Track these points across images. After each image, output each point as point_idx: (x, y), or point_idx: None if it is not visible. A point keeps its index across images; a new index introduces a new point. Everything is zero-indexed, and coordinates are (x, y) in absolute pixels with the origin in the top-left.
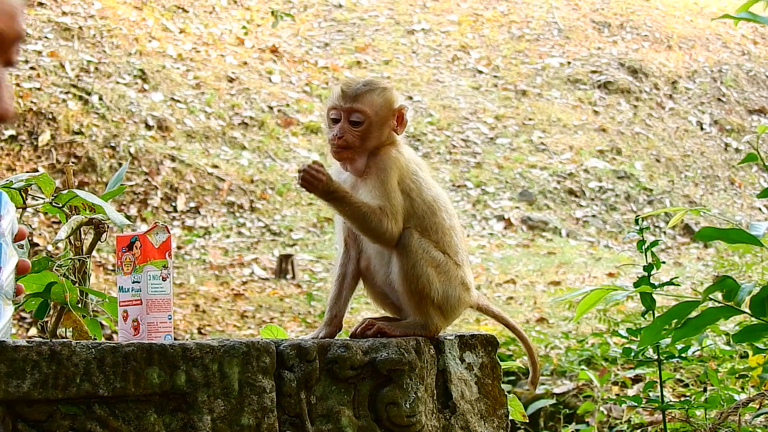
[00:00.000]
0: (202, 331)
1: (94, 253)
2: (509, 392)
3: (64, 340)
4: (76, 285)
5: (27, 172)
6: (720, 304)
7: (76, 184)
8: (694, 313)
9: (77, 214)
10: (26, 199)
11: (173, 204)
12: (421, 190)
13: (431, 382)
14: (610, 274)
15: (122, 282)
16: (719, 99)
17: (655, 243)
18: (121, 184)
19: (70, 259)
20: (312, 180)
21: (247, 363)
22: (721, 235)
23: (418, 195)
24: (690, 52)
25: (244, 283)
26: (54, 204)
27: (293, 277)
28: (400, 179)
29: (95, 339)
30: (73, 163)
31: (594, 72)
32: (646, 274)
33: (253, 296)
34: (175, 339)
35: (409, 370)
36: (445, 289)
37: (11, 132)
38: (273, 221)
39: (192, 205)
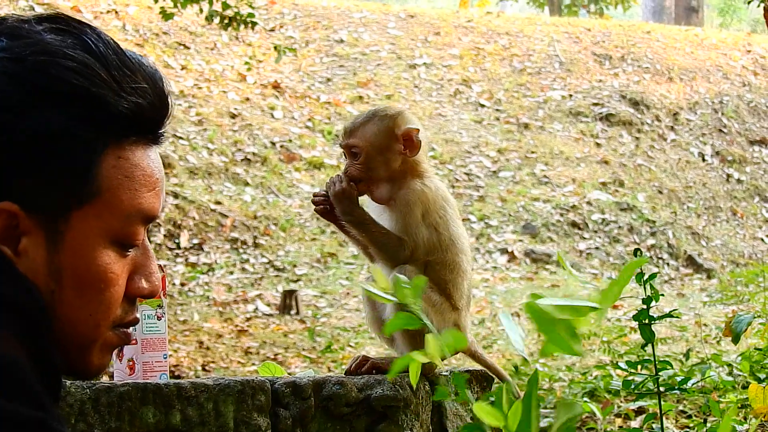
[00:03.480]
0: (206, 367)
1: None
2: None
3: None
4: None
5: None
6: None
7: None
8: None
9: None
10: None
11: (176, 241)
12: (448, 225)
13: (427, 418)
14: (614, 307)
15: None
16: (720, 130)
17: (654, 275)
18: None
19: None
20: (336, 186)
21: (242, 401)
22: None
23: (445, 229)
24: (691, 83)
25: (248, 319)
26: None
27: (297, 313)
28: (425, 212)
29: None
30: None
31: (596, 104)
32: (645, 306)
33: (257, 332)
34: (178, 377)
35: (404, 406)
36: (439, 329)
37: None
38: (277, 257)
39: (195, 241)
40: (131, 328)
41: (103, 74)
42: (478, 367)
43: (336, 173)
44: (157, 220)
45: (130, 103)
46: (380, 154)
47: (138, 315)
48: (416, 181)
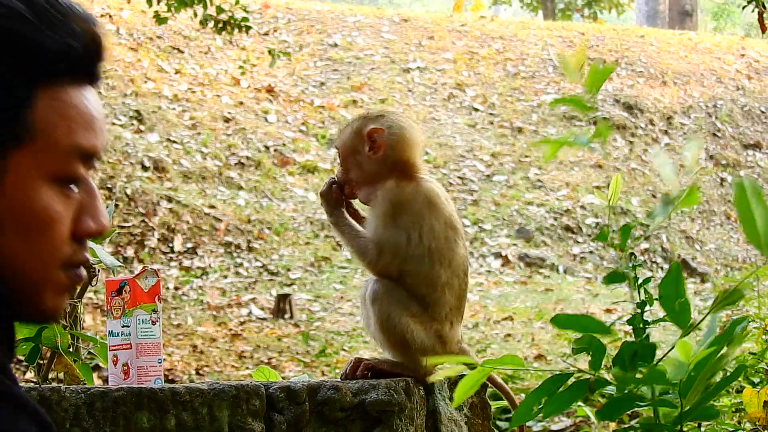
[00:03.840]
0: (200, 372)
1: (92, 295)
2: (504, 431)
3: (54, 385)
4: (68, 329)
5: None
6: (590, 375)
7: None
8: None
9: None
10: None
11: (170, 245)
12: (422, 234)
13: (421, 423)
14: (608, 310)
15: (112, 326)
16: (714, 134)
17: (648, 280)
18: (111, 226)
19: None
20: (324, 186)
21: (236, 406)
22: (574, 323)
23: (417, 237)
24: (685, 87)
25: (242, 323)
26: None
27: (291, 317)
28: (395, 213)
29: (85, 384)
30: None
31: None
32: (639, 310)
33: (251, 336)
34: (172, 381)
35: (399, 411)
36: (423, 338)
37: None
38: (270, 261)
39: (189, 245)
40: (83, 270)
41: (29, 16)
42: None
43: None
44: (151, 224)
45: (61, 43)
46: (352, 156)
47: (88, 255)
48: (393, 181)
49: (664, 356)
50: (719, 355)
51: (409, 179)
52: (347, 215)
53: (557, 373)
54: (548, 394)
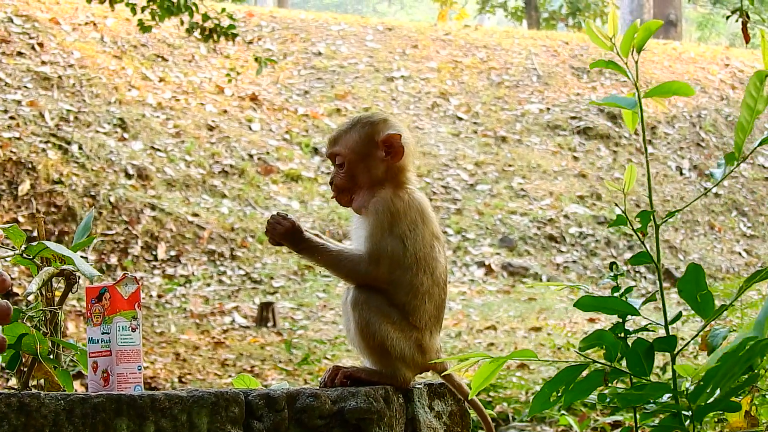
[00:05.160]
0: (183, 379)
1: (74, 303)
2: None
3: (33, 391)
4: (48, 336)
5: (6, 222)
6: (607, 365)
7: (56, 233)
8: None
9: (48, 266)
10: None
11: (153, 253)
12: (415, 242)
13: (400, 431)
14: (591, 320)
15: (92, 333)
16: (698, 144)
17: (630, 289)
18: (90, 234)
19: (41, 310)
20: (277, 227)
21: (215, 413)
22: (599, 305)
23: (411, 245)
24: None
25: (225, 331)
26: (24, 256)
27: (274, 325)
28: (393, 223)
29: (65, 391)
30: (53, 212)
31: (573, 118)
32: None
33: (234, 344)
34: (154, 389)
35: (378, 419)
36: (402, 346)
37: None
38: (254, 269)
39: (172, 253)
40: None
41: None
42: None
43: (271, 215)
44: (134, 232)
45: None
46: (362, 162)
47: None
48: (390, 190)
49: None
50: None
51: (401, 188)
52: (312, 236)
53: (573, 363)
54: (565, 384)
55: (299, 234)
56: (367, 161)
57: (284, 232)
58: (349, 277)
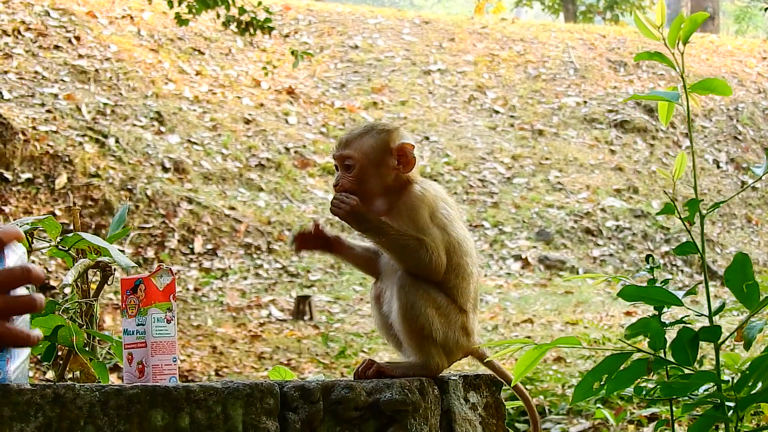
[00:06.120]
0: (220, 372)
1: (111, 296)
2: None
3: (68, 383)
4: (83, 328)
5: (44, 215)
6: (650, 354)
7: (93, 227)
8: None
9: (84, 258)
10: (32, 243)
11: (190, 246)
12: (453, 225)
13: (435, 423)
14: (628, 313)
15: (127, 325)
16: (735, 137)
17: (666, 282)
18: (126, 226)
19: (77, 302)
20: (341, 205)
21: (250, 405)
22: (643, 294)
23: (451, 230)
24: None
25: (262, 324)
26: (60, 247)
27: (311, 319)
28: (432, 214)
29: (100, 382)
30: (89, 206)
31: (610, 111)
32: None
33: (271, 338)
34: (191, 382)
35: (413, 410)
36: (445, 330)
37: (28, 175)
38: (290, 262)
39: (209, 247)
40: None
41: None
42: (488, 371)
43: (333, 196)
44: (171, 225)
45: None
46: (374, 168)
47: None
48: (413, 186)
49: (729, 336)
50: None
51: (411, 181)
52: (376, 216)
53: (617, 352)
54: (608, 373)
55: (365, 213)
56: (379, 168)
57: (350, 211)
58: (413, 262)
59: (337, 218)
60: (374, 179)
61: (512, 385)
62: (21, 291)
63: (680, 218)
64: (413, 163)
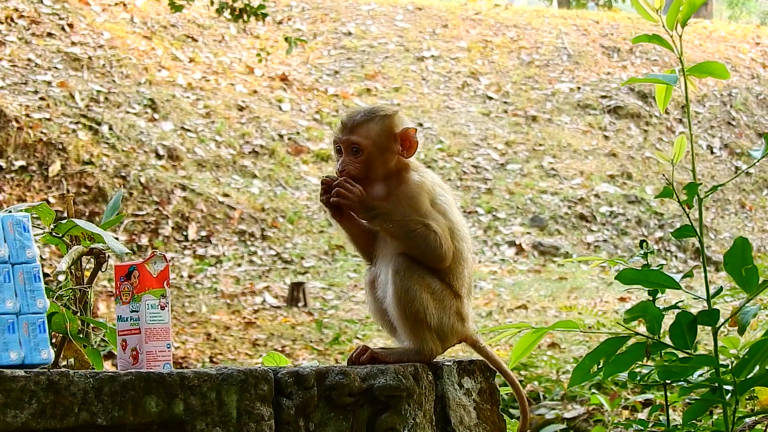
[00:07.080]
0: (214, 359)
1: (105, 283)
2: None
3: (62, 369)
4: (77, 315)
5: (38, 202)
6: (648, 338)
7: (87, 214)
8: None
9: (77, 244)
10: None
11: (184, 233)
12: (451, 210)
13: (430, 408)
14: (622, 299)
15: (121, 311)
16: (729, 123)
17: (660, 267)
18: (120, 213)
19: (71, 289)
20: (347, 194)
21: (245, 391)
22: (641, 278)
23: (450, 214)
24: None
25: (256, 311)
26: (54, 234)
27: (305, 305)
28: (431, 201)
29: (93, 369)
30: (83, 193)
31: (604, 97)
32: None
33: (265, 324)
34: (185, 368)
35: (407, 396)
36: (440, 315)
37: (22, 162)
38: (284, 249)
39: (203, 234)
40: None
41: None
42: (481, 357)
43: (336, 181)
44: (165, 212)
45: None
46: (381, 154)
47: None
48: (411, 173)
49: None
50: None
51: (415, 169)
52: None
53: (615, 335)
54: (605, 357)
55: (371, 201)
56: (385, 154)
57: (357, 200)
58: (423, 248)
59: (329, 206)
60: (380, 165)
61: (510, 368)
62: None
63: (678, 202)
64: (416, 147)
